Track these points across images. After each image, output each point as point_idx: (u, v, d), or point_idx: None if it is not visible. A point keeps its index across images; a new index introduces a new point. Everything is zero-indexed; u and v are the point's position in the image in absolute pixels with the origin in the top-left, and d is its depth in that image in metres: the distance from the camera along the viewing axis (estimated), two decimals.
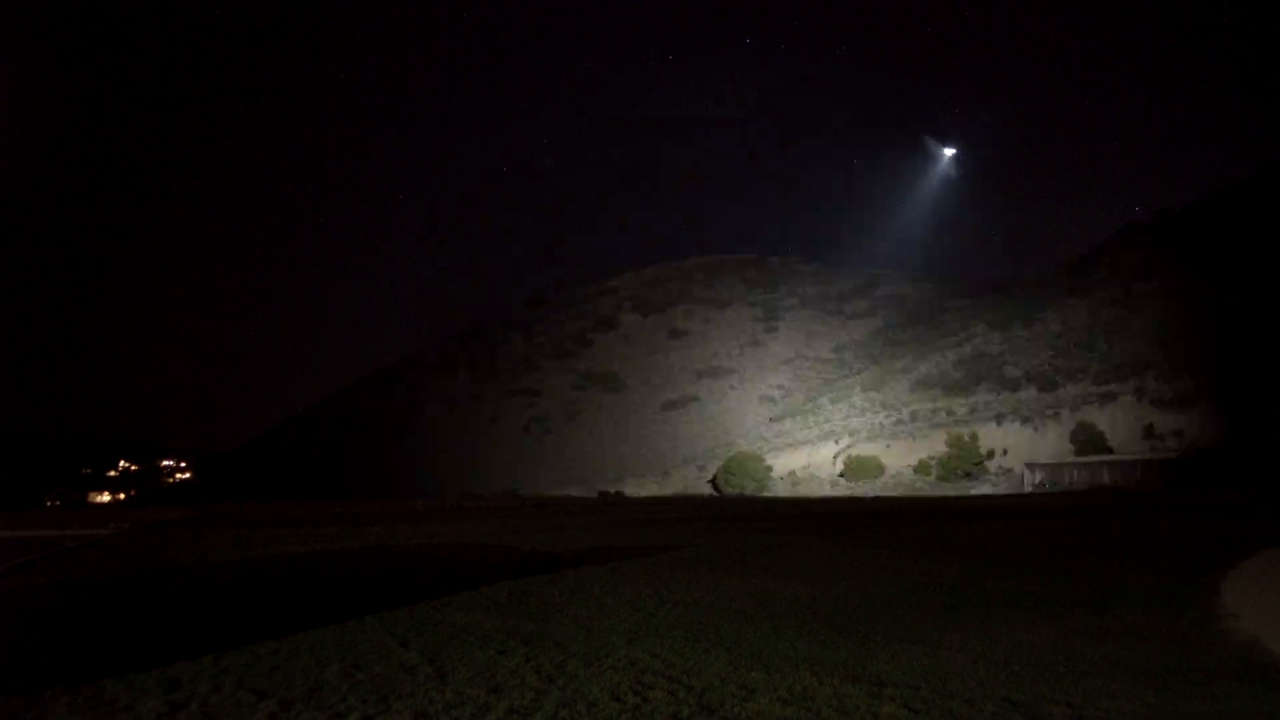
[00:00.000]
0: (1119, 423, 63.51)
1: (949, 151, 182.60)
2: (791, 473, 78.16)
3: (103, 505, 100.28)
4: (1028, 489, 60.27)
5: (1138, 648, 7.60)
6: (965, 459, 65.88)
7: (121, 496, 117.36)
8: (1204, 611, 9.26)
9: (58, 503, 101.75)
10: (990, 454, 67.33)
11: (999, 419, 70.15)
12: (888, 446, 74.23)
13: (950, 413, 74.38)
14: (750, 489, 70.89)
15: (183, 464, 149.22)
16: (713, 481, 76.74)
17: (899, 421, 77.52)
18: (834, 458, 76.73)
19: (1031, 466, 63.77)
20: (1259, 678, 6.50)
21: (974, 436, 67.33)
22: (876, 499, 53.19)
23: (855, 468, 72.02)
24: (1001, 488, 62.55)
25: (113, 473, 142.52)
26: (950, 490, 62.38)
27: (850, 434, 79.06)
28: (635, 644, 8.04)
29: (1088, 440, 63.52)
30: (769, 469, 74.13)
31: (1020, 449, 67.46)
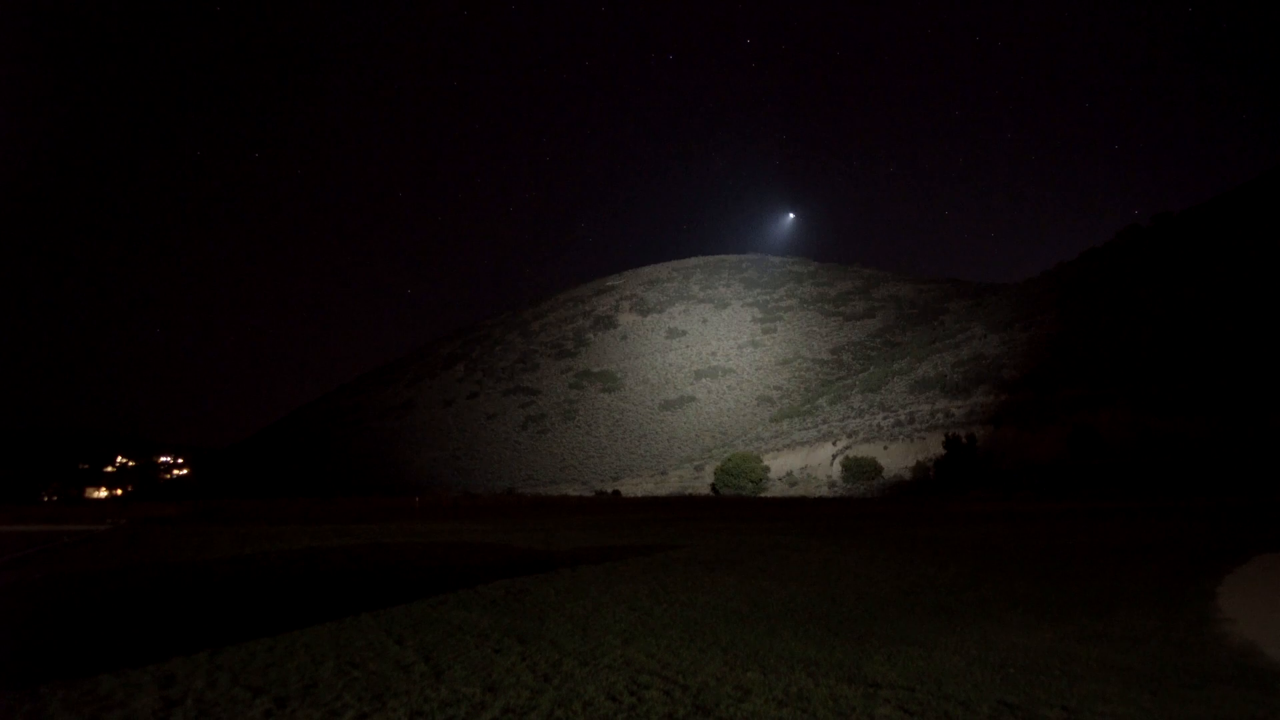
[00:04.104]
0: (1116, 426, 63.54)
1: (790, 215, 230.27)
2: (789, 474, 78.25)
3: (100, 501, 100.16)
4: (1024, 491, 60.31)
5: (1134, 651, 7.60)
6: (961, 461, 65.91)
7: (119, 492, 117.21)
8: (1200, 615, 9.26)
9: (55, 498, 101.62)
10: (988, 456, 67.40)
11: (997, 421, 70.20)
12: (885, 448, 74.29)
13: (948, 415, 74.46)
14: (747, 490, 70.91)
15: (180, 460, 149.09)
16: (712, 485, 76.75)
17: (897, 423, 77.59)
18: (831, 459, 76.81)
19: (1029, 469, 63.82)
20: (1255, 682, 6.51)
21: (971, 438, 67.38)
22: (873, 500, 53.20)
23: (853, 469, 72.08)
24: (999, 489, 62.56)
25: (110, 468, 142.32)
26: (947, 493, 62.38)
27: (848, 435, 79.12)
28: (631, 643, 8.04)
29: (1084, 443, 63.56)
30: (766, 470, 74.15)
31: (1018, 451, 67.49)
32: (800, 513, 33.97)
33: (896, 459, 72.94)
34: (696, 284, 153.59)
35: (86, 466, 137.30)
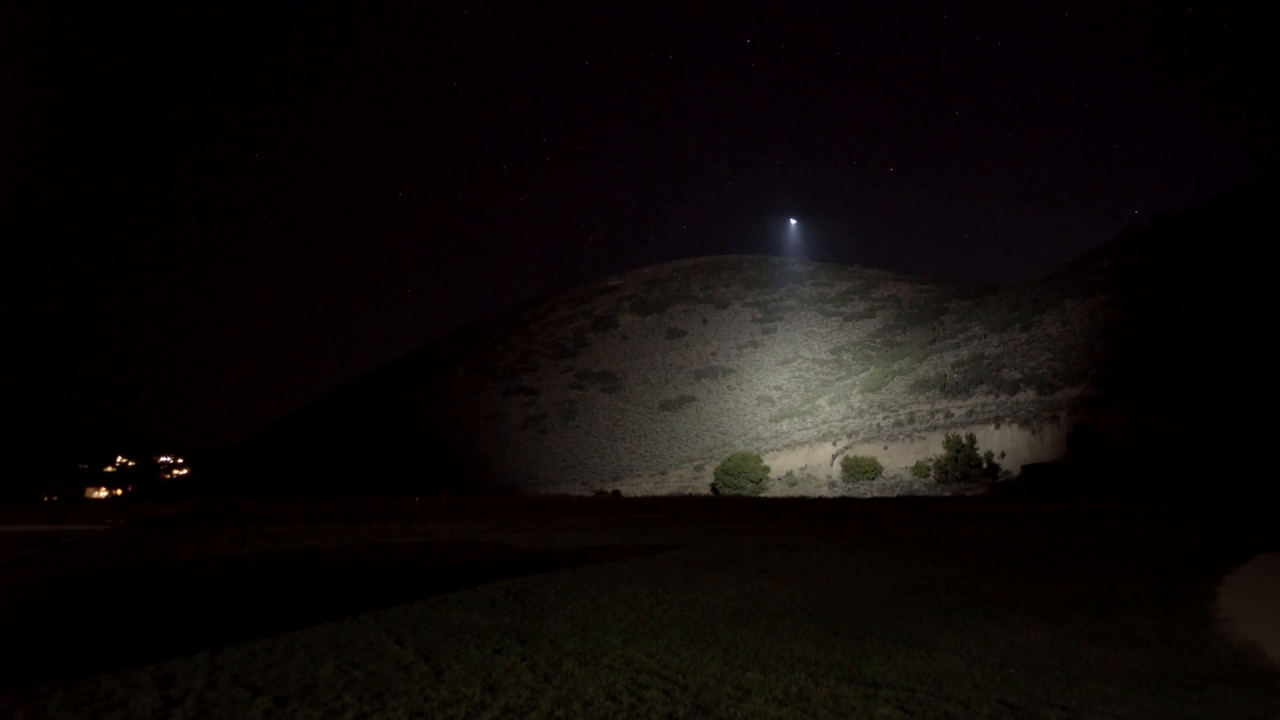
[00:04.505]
0: (1116, 426, 63.56)
1: (792, 221, 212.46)
2: (789, 473, 78.26)
3: (100, 501, 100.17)
4: (1025, 491, 60.27)
5: (1134, 651, 7.60)
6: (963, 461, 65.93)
7: (118, 492, 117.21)
8: (1200, 615, 9.26)
9: (55, 498, 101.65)
10: (988, 456, 67.41)
11: (997, 421, 70.21)
12: (885, 448, 74.31)
13: (948, 415, 74.46)
14: (748, 489, 70.89)
15: (180, 460, 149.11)
16: (712, 485, 76.73)
17: (897, 423, 77.59)
18: (831, 459, 76.82)
19: (1029, 469, 63.79)
20: (1255, 682, 6.50)
21: (971, 439, 67.38)
22: (873, 500, 53.18)
23: (853, 469, 72.09)
24: (999, 489, 62.56)
25: (110, 468, 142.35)
26: (947, 493, 62.38)
27: (848, 435, 79.13)
28: (631, 643, 8.03)
29: (1085, 443, 63.54)
30: (766, 469, 74.16)
31: (1018, 451, 67.51)
32: (800, 513, 33.96)
33: (896, 459, 72.95)
34: (696, 284, 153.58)
35: (86, 466, 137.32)
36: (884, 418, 79.73)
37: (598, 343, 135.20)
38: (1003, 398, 72.94)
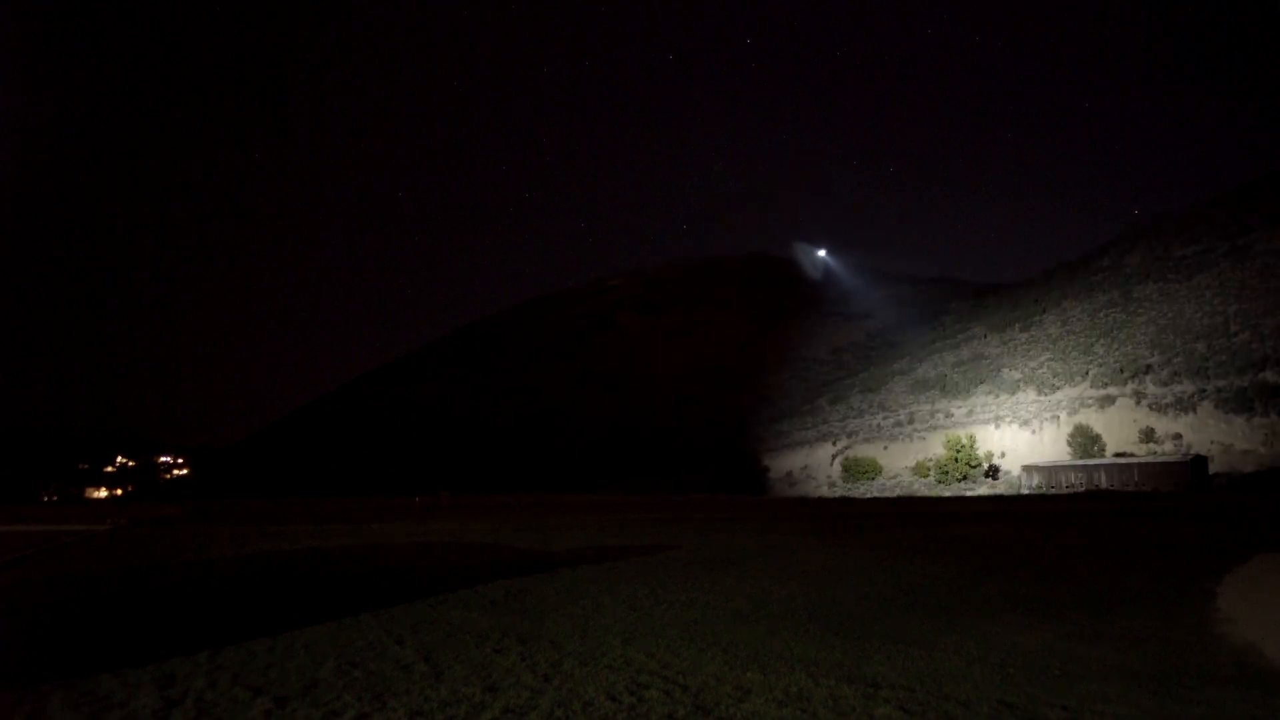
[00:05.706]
0: (1116, 426, 63.55)
1: (820, 252, 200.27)
2: (789, 473, 78.27)
3: (100, 501, 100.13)
4: (1024, 491, 60.27)
5: (1134, 652, 7.59)
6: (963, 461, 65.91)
7: (118, 492, 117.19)
8: (1200, 615, 9.25)
9: (55, 498, 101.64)
10: (988, 456, 67.40)
11: (997, 421, 70.22)
12: (885, 448, 74.33)
13: (948, 415, 74.46)
14: (748, 489, 70.91)
15: (180, 460, 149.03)
16: (711, 482, 76.69)
17: (897, 423, 77.60)
18: (831, 459, 76.82)
19: (1029, 469, 63.80)
20: (1255, 683, 6.50)
21: (971, 439, 67.39)
22: (872, 500, 53.18)
23: (853, 469, 72.10)
24: (999, 489, 62.56)
25: (110, 468, 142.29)
26: (947, 492, 62.40)
27: (848, 435, 79.14)
28: (631, 643, 8.04)
29: (1085, 443, 63.53)
30: (766, 469, 74.18)
31: (1018, 451, 67.51)
32: (800, 513, 33.98)
33: (896, 459, 72.96)
34: (697, 284, 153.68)
35: (86, 466, 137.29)
36: (884, 418, 79.74)
37: (597, 343, 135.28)
38: (1003, 398, 72.92)
